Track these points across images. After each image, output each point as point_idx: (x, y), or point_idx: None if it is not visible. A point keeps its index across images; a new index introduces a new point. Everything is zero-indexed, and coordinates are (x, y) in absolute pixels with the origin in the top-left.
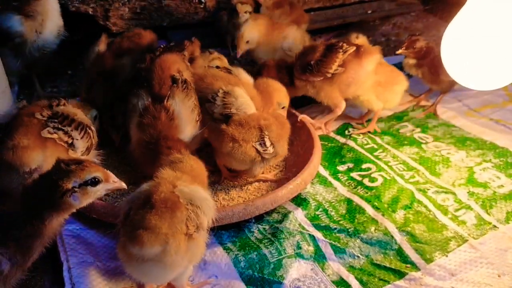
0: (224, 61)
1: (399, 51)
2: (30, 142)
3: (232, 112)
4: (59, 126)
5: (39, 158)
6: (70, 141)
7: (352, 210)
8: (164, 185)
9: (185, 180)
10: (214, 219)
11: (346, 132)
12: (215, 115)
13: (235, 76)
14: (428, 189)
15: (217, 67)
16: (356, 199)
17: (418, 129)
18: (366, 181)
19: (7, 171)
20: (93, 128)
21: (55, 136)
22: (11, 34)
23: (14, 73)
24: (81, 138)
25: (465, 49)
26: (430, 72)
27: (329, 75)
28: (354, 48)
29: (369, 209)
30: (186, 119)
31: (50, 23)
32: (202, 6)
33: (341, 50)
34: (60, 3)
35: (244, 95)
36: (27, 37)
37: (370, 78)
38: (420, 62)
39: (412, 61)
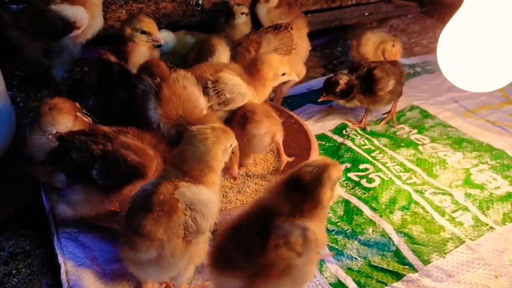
0: None
1: (321, 99)
2: (67, 106)
3: (227, 97)
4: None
5: (68, 124)
6: None
7: (350, 211)
8: (165, 186)
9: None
10: (216, 221)
11: (344, 131)
12: (216, 107)
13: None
14: (425, 190)
15: None
16: (354, 200)
17: (415, 130)
18: (363, 182)
19: (36, 127)
20: None
21: (86, 119)
22: (77, 23)
23: (70, 62)
24: None
25: (462, 51)
26: (366, 98)
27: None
28: (289, 23)
29: (366, 210)
30: (197, 92)
31: (99, 14)
32: (199, 8)
33: (289, 28)
34: None
35: (232, 77)
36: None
37: None
38: (350, 97)
39: (342, 102)
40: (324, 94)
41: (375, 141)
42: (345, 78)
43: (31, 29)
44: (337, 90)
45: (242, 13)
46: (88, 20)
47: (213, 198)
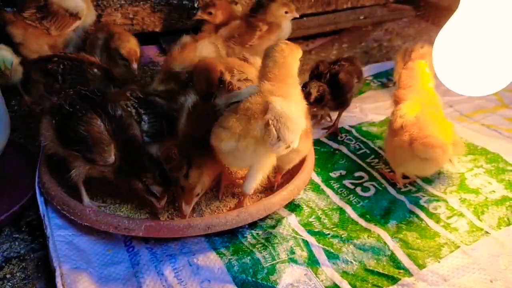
0: None
1: None
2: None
3: None
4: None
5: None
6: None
7: (345, 220)
8: (254, 98)
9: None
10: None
11: (339, 137)
12: None
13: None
14: (420, 198)
15: None
16: (349, 210)
17: None
18: (358, 190)
19: None
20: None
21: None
22: (79, 14)
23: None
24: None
25: (457, 55)
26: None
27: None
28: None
29: (361, 221)
30: None
31: (91, 5)
32: (195, 11)
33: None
34: None
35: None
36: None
37: None
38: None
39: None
40: None
41: (370, 143)
42: (316, 86)
43: (39, 23)
44: (312, 99)
45: None
46: (85, 10)
47: (299, 115)
